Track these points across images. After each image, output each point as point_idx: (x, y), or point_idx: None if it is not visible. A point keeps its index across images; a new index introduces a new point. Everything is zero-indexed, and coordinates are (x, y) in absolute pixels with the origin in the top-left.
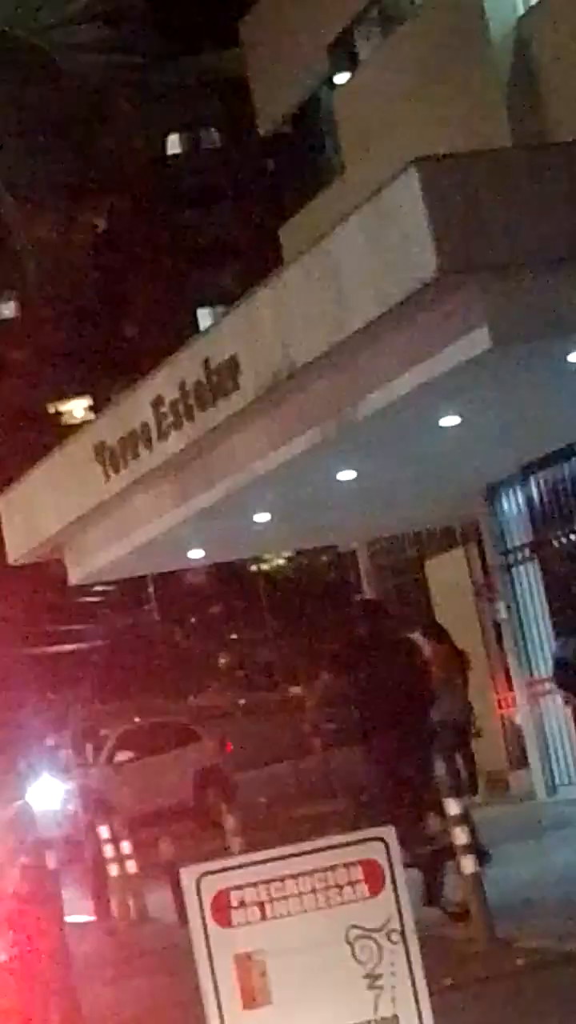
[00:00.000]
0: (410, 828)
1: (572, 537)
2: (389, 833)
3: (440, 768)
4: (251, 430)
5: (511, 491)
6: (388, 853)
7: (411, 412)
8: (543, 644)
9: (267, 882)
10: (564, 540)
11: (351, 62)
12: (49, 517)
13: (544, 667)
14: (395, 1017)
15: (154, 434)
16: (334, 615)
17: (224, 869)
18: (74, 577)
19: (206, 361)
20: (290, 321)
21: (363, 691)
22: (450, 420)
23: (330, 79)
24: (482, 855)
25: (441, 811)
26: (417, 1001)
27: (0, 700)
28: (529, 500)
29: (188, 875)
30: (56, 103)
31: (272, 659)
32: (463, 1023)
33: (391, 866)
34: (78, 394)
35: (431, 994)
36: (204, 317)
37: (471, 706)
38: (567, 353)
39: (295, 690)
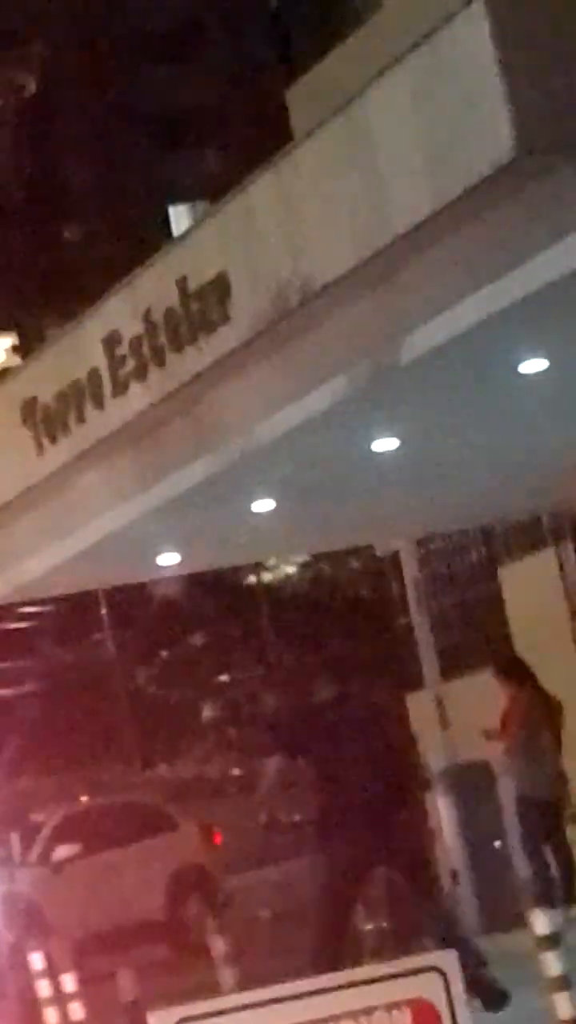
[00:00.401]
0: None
1: None
2: (448, 961)
3: (522, 865)
4: (247, 380)
5: None
6: (447, 990)
7: (478, 353)
8: None
9: None
10: None
11: None
12: None
13: None
14: None
15: (108, 387)
16: (368, 646)
17: (211, 1014)
18: None
19: (182, 281)
20: (303, 222)
21: (322, 778)
22: (534, 364)
23: None
24: (494, 995)
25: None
26: None
27: None
28: None
29: (160, 1022)
30: None
31: (279, 710)
32: None
33: (451, 1008)
34: None
35: None
36: (179, 217)
37: (566, 777)
38: None
39: None
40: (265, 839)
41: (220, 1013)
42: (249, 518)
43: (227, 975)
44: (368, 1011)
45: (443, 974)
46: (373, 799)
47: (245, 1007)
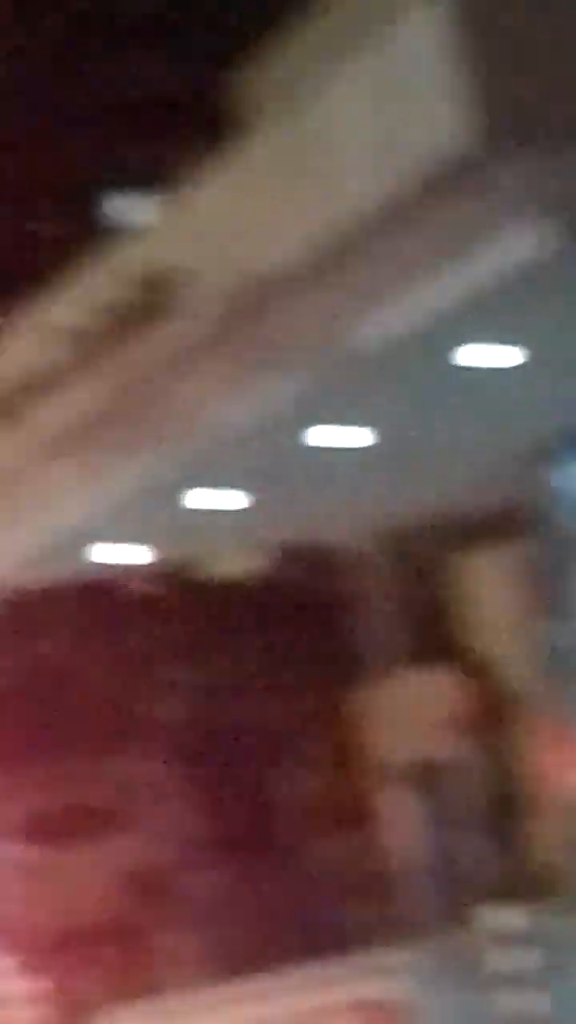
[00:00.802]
0: None
1: None
2: (413, 960)
3: (480, 860)
4: (201, 372)
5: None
6: (408, 986)
7: (436, 345)
8: None
9: None
10: None
11: None
12: None
13: None
14: None
15: (57, 380)
16: (324, 642)
17: (158, 1014)
18: None
19: (134, 272)
20: (257, 213)
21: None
22: (493, 355)
23: None
24: None
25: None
26: None
27: None
28: None
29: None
30: None
31: (237, 708)
32: None
33: (411, 1005)
34: None
35: None
36: (130, 207)
37: (522, 771)
38: None
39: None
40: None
41: (170, 1013)
42: (203, 512)
43: (177, 976)
44: (325, 1012)
45: (407, 974)
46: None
47: (195, 1008)
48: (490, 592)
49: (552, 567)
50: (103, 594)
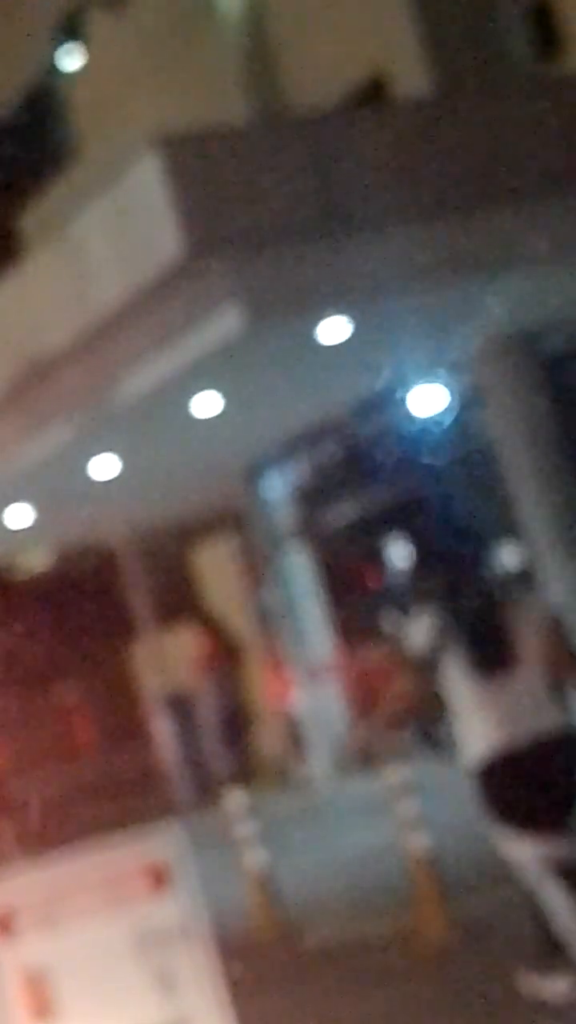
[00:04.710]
0: None
1: (340, 517)
2: (176, 828)
3: (213, 760)
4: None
5: (273, 473)
6: (176, 849)
7: (165, 401)
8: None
9: (47, 892)
10: (330, 521)
11: (79, 44)
12: None
13: (319, 652)
14: (187, 1018)
15: None
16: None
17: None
18: None
19: None
20: (35, 309)
21: None
22: (208, 402)
23: (57, 64)
24: None
25: None
26: (210, 1000)
27: None
28: (292, 482)
29: None
30: None
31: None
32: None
33: (178, 863)
34: None
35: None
36: None
37: (245, 695)
38: (313, 329)
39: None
40: None
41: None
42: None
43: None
44: (117, 869)
45: (172, 839)
46: None
47: (25, 877)
48: (218, 570)
49: (262, 552)
50: None
